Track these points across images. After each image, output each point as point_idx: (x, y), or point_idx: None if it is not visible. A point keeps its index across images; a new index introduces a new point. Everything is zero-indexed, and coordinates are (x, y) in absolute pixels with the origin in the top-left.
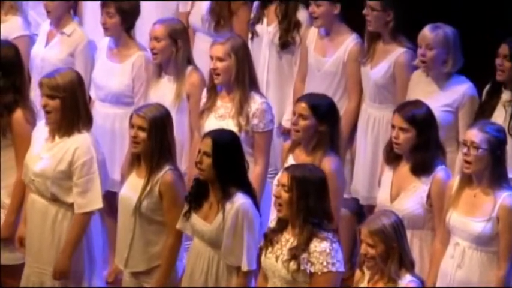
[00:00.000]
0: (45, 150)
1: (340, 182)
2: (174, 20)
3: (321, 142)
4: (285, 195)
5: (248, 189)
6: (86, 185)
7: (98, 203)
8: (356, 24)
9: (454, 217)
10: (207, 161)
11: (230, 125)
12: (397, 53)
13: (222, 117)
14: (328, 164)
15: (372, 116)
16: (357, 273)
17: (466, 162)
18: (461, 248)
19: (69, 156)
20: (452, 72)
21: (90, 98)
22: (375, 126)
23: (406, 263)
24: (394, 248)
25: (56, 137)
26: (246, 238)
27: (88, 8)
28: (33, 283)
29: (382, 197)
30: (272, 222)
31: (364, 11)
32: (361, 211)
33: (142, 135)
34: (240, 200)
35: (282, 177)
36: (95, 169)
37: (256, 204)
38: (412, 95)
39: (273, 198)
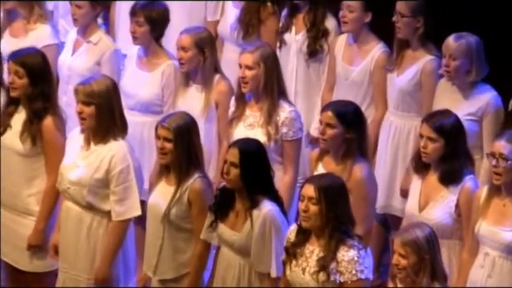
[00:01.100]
0: (80, 158)
1: (372, 189)
2: (200, 29)
3: (350, 149)
4: (313, 208)
5: (274, 196)
6: (124, 193)
7: (136, 210)
8: (384, 33)
9: (483, 227)
10: (235, 171)
11: (259, 134)
12: (425, 60)
13: (251, 126)
14: (359, 171)
15: (394, 124)
16: (390, 284)
17: (496, 174)
18: (491, 257)
19: (105, 164)
20: (477, 81)
21: None
22: (395, 134)
23: (438, 276)
24: (426, 260)
25: (92, 145)
26: (275, 245)
27: (121, 16)
28: None
29: (411, 206)
30: (291, 234)
31: (394, 18)
32: (386, 221)
33: (169, 146)
34: (267, 207)
35: (307, 189)
36: (132, 176)
37: (284, 211)
38: (437, 103)
39: (301, 213)
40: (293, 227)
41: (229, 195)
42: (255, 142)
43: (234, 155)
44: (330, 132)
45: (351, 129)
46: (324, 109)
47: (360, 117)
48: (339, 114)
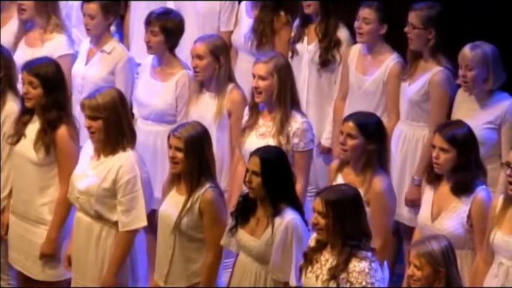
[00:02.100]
0: (90, 168)
1: (391, 201)
2: (214, 37)
3: (370, 161)
4: (322, 222)
5: (297, 205)
6: (130, 203)
7: (142, 221)
8: (398, 43)
9: (498, 236)
10: (257, 180)
11: (271, 144)
12: (434, 71)
13: (263, 136)
14: (378, 183)
15: (404, 133)
16: None
17: (511, 183)
18: (505, 267)
19: (113, 174)
20: (494, 90)
21: (133, 115)
22: (404, 143)
23: None
24: (440, 272)
25: (101, 155)
26: (295, 253)
27: (135, 25)
28: None
29: (423, 216)
30: (312, 241)
31: (406, 29)
32: (398, 231)
33: (180, 155)
34: (290, 215)
35: (317, 203)
36: (138, 187)
37: (305, 219)
38: (456, 114)
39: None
40: (314, 234)
41: (252, 201)
42: (276, 150)
43: (255, 164)
44: (350, 142)
45: (371, 141)
46: (345, 119)
47: (381, 129)
48: (361, 125)
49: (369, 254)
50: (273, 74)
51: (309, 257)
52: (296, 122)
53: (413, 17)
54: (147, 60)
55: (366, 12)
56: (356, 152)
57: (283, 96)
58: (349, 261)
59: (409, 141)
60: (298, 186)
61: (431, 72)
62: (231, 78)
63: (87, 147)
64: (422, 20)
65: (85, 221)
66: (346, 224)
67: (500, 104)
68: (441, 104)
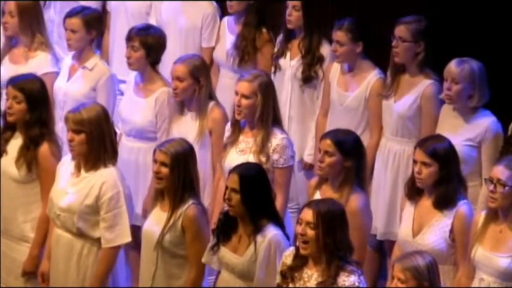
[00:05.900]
0: (71, 185)
1: (367, 219)
2: (194, 57)
3: (347, 178)
4: (311, 233)
5: (278, 220)
6: (114, 220)
7: (126, 237)
8: (377, 59)
9: (480, 252)
10: (236, 197)
11: (251, 160)
12: (424, 84)
13: (242, 152)
14: (355, 201)
15: (393, 150)
16: None
17: (492, 198)
18: (486, 283)
19: (95, 190)
20: (478, 107)
21: (115, 132)
22: (395, 160)
23: None
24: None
25: (82, 171)
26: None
27: (116, 43)
28: None
29: (404, 232)
30: (287, 258)
31: (394, 43)
32: (381, 247)
33: (165, 170)
34: (272, 231)
35: (306, 214)
36: (122, 203)
37: (286, 234)
38: (439, 129)
39: (298, 237)
40: (289, 251)
41: (232, 218)
42: (255, 166)
43: (234, 181)
44: (328, 160)
45: (349, 158)
46: (323, 137)
47: (359, 146)
48: (338, 143)
49: (355, 267)
50: (257, 94)
51: (289, 275)
52: (276, 138)
53: (402, 31)
54: (131, 76)
55: (338, 35)
56: (334, 169)
57: (265, 116)
58: (337, 276)
59: (400, 157)
60: (278, 203)
61: (421, 86)
62: (211, 96)
63: (66, 163)
64: (412, 33)
65: (65, 238)
66: (336, 235)
67: (481, 122)
68: (435, 117)
